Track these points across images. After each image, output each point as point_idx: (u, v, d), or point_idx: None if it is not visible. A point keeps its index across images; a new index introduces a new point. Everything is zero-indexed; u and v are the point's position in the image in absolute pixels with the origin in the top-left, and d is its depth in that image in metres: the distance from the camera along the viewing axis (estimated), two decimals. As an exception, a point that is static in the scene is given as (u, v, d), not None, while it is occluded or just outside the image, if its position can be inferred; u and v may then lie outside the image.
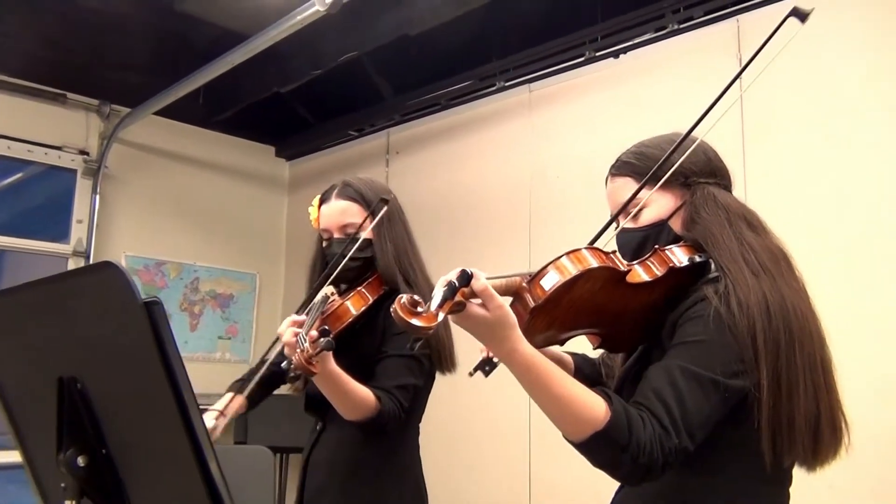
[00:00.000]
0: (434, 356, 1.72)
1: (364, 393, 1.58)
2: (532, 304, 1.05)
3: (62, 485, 1.03)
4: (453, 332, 1.79)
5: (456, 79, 4.10)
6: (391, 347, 1.69)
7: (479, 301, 1.00)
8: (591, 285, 1.09)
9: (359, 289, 1.73)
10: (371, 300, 1.72)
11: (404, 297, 0.95)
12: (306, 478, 1.75)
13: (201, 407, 1.63)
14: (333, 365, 1.52)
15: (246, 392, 1.80)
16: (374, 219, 1.73)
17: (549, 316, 1.08)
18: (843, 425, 1.14)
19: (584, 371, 1.45)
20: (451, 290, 0.96)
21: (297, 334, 1.50)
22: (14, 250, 4.30)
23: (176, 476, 0.96)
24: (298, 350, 1.45)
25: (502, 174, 3.95)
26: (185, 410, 0.88)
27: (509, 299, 1.07)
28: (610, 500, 1.30)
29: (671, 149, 1.22)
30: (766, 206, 1.36)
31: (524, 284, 1.07)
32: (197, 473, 0.90)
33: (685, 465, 1.03)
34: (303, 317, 1.59)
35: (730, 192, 1.30)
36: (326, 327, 1.52)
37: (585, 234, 3.82)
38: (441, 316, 0.95)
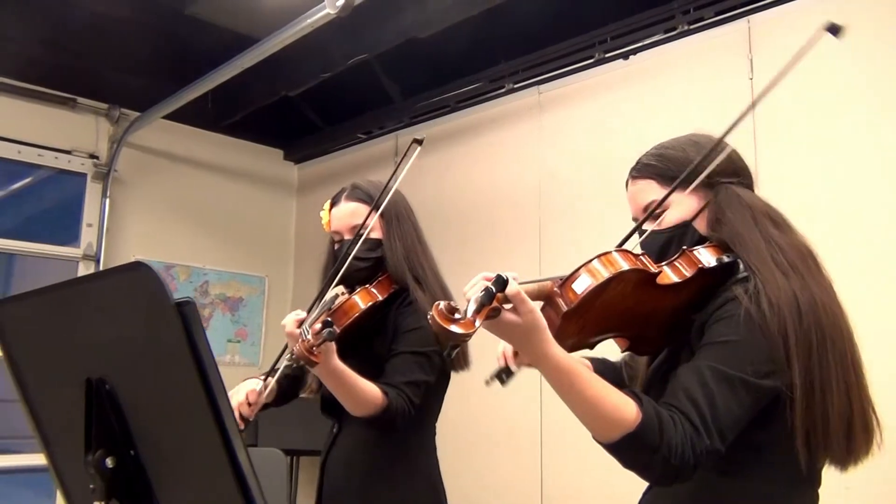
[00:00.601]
0: (442, 342, 1.71)
1: (370, 388, 1.58)
2: (564, 308, 1.05)
3: (90, 486, 1.03)
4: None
5: (465, 81, 4.10)
6: (402, 345, 1.70)
7: (510, 306, 1.00)
8: (622, 288, 1.09)
9: (367, 286, 1.73)
10: (380, 298, 1.72)
11: (441, 304, 0.94)
12: (324, 479, 1.75)
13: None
14: (336, 360, 1.53)
15: (276, 376, 1.79)
16: (406, 159, 1.69)
17: (580, 319, 1.08)
18: (875, 423, 1.13)
19: (606, 376, 1.45)
20: (489, 295, 0.95)
21: (299, 324, 1.51)
22: (24, 254, 4.31)
23: (206, 477, 0.95)
24: (300, 340, 1.46)
25: (511, 176, 3.95)
26: (217, 411, 0.88)
27: (540, 303, 1.06)
28: (623, 501, 1.30)
29: (702, 155, 1.21)
30: (778, 205, 1.35)
31: (556, 289, 1.07)
32: (229, 475, 0.90)
33: (717, 466, 1.03)
34: (305, 314, 1.59)
35: (752, 190, 1.30)
36: (330, 320, 1.53)
37: (596, 237, 3.85)
38: (478, 323, 0.94)
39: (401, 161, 1.70)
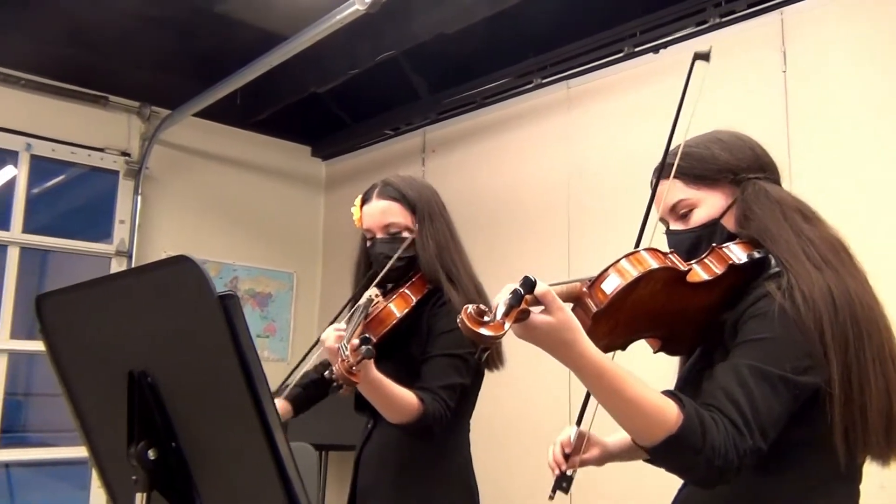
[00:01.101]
0: (473, 345, 1.71)
1: (407, 397, 1.58)
2: (594, 308, 1.04)
3: (133, 478, 1.04)
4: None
5: (493, 76, 4.09)
6: (436, 347, 1.69)
7: (540, 308, 0.99)
8: (652, 287, 1.08)
9: (402, 290, 1.72)
10: (414, 301, 1.72)
11: (471, 308, 0.94)
12: (358, 474, 1.76)
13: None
14: (374, 372, 1.52)
15: (284, 395, 1.82)
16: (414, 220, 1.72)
17: (611, 320, 1.07)
18: None
19: None
20: (517, 297, 0.95)
21: (339, 339, 1.50)
22: (59, 251, 4.38)
23: (247, 469, 0.96)
24: (340, 360, 1.45)
25: (540, 172, 3.93)
26: (259, 404, 0.89)
27: (569, 305, 1.06)
28: (654, 500, 1.29)
29: (728, 153, 1.20)
30: (812, 201, 1.33)
31: (585, 290, 1.06)
32: (270, 468, 0.90)
33: (756, 464, 1.01)
34: (345, 326, 1.59)
35: (779, 185, 1.28)
36: (367, 335, 1.52)
37: (625, 233, 3.80)
38: (507, 325, 0.94)
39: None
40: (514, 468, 3.77)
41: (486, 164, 4.23)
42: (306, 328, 5.17)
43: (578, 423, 1.29)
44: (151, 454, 1.03)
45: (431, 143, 4.57)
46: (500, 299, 0.98)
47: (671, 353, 1.28)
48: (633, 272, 1.06)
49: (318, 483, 3.05)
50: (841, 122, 2.82)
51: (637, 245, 1.14)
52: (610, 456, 1.35)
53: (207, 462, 1.03)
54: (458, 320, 0.94)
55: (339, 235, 5.16)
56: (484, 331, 0.93)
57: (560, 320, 0.98)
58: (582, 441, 1.31)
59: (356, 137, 5.06)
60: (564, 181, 3.79)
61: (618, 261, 1.09)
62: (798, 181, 2.82)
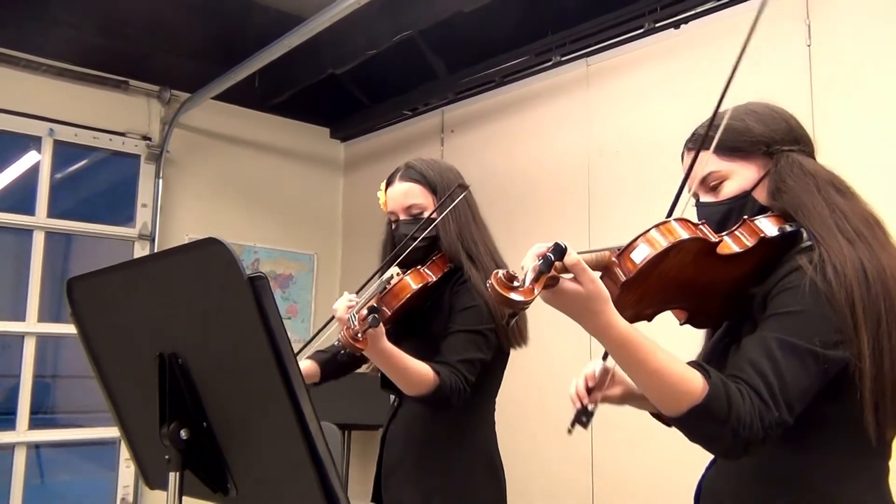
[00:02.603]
0: (500, 331, 1.72)
1: (422, 369, 1.60)
2: (623, 278, 1.03)
3: (166, 457, 1.06)
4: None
5: (511, 55, 4.06)
6: (456, 323, 1.71)
7: (570, 276, 0.98)
8: (681, 257, 1.07)
9: (419, 268, 1.74)
10: (432, 278, 1.73)
11: (500, 273, 0.94)
12: (384, 452, 1.78)
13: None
14: (385, 342, 1.54)
15: (318, 359, 1.84)
16: (445, 204, 1.75)
17: (639, 290, 1.06)
18: None
19: None
20: (548, 263, 0.94)
21: (349, 309, 1.53)
22: (83, 235, 4.43)
23: (278, 449, 0.98)
24: (346, 327, 1.49)
25: (560, 151, 3.91)
26: (289, 384, 0.90)
27: (598, 273, 1.05)
28: (676, 478, 1.29)
29: (763, 125, 1.19)
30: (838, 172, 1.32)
31: (613, 259, 1.05)
32: (300, 444, 0.92)
33: (785, 440, 1.01)
34: (356, 296, 1.61)
35: (813, 158, 1.27)
36: (376, 304, 1.54)
37: (646, 211, 3.80)
38: (537, 291, 0.94)
39: (444, 202, 1.79)
40: (537, 448, 3.79)
41: (506, 144, 4.21)
42: (328, 309, 5.16)
43: (605, 357, 1.28)
44: (184, 434, 1.05)
45: (450, 123, 4.56)
46: (528, 264, 0.97)
47: (698, 325, 1.28)
48: (663, 242, 1.05)
49: (341, 462, 3.09)
50: (866, 97, 2.78)
51: (669, 216, 1.13)
52: (632, 397, 1.33)
53: (238, 442, 1.05)
54: (487, 284, 0.95)
55: (358, 216, 5.18)
56: (514, 295, 0.93)
57: (589, 290, 0.98)
58: (606, 376, 1.30)
59: (375, 118, 5.05)
60: (584, 160, 3.77)
61: (648, 230, 1.07)
62: (822, 157, 2.80)
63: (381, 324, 1.51)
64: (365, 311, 1.50)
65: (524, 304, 0.93)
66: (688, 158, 1.30)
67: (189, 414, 1.05)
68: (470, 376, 1.65)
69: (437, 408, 1.64)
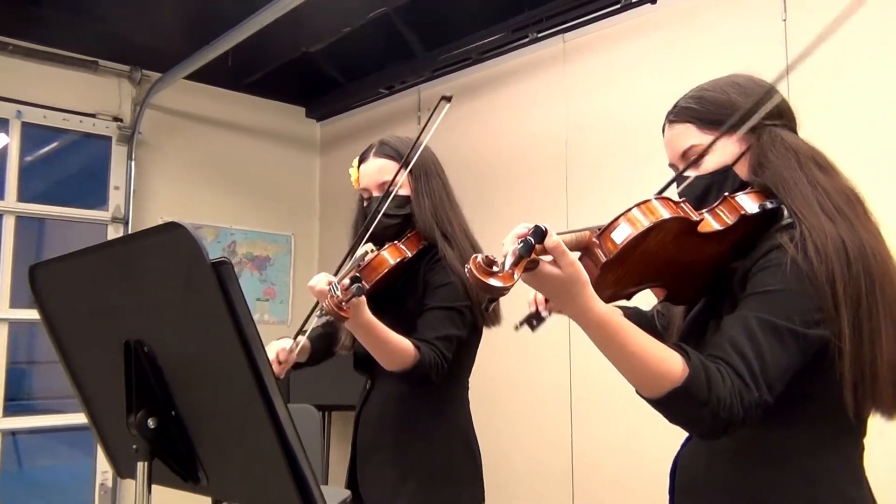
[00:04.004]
0: (475, 308, 1.71)
1: (403, 343, 1.59)
2: (603, 258, 1.02)
3: (133, 447, 1.04)
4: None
5: (487, 32, 4.02)
6: (432, 300, 1.70)
7: (549, 258, 0.97)
8: (662, 237, 1.06)
9: (395, 243, 1.73)
10: (409, 254, 1.72)
11: (479, 257, 0.92)
12: (358, 433, 1.77)
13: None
14: (368, 314, 1.53)
15: (307, 333, 1.82)
16: (435, 116, 1.69)
17: (619, 270, 1.05)
18: None
19: (640, 326, 1.42)
20: (528, 247, 0.92)
21: (329, 283, 1.51)
22: (54, 219, 4.35)
23: (248, 437, 0.96)
24: (329, 297, 1.47)
25: (537, 128, 3.89)
26: (256, 369, 0.88)
27: (577, 254, 1.04)
28: (655, 455, 1.29)
29: (747, 98, 1.17)
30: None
31: (594, 239, 1.04)
32: (270, 431, 0.90)
33: (764, 417, 1.00)
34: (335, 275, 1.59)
35: (796, 133, 1.25)
36: (358, 276, 1.53)
37: (624, 188, 3.78)
38: (517, 275, 0.92)
39: (429, 118, 1.68)
40: (516, 427, 3.80)
41: (483, 122, 4.18)
42: (306, 290, 5.15)
43: None
44: (151, 423, 1.03)
45: (427, 102, 4.52)
46: (508, 247, 0.95)
47: (677, 302, 1.27)
48: (645, 222, 1.04)
49: (321, 443, 3.08)
50: (842, 71, 2.78)
51: (659, 194, 1.11)
52: None
53: (208, 429, 1.03)
54: (465, 269, 0.93)
55: (336, 197, 5.14)
56: (493, 281, 0.91)
57: (568, 274, 0.97)
58: None
59: (350, 97, 4.99)
60: (562, 137, 3.75)
61: (629, 210, 1.06)
62: (799, 131, 2.80)
63: (364, 294, 1.50)
64: (347, 281, 1.48)
65: (503, 291, 0.91)
66: (669, 131, 1.28)
67: (157, 402, 1.03)
68: (448, 353, 1.65)
69: (416, 384, 1.63)
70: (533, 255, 0.93)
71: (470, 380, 1.83)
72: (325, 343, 1.94)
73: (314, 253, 5.28)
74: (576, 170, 3.69)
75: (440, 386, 1.66)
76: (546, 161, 3.82)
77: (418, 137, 1.72)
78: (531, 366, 3.71)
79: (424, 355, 1.60)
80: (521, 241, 0.93)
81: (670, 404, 0.98)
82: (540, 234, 0.93)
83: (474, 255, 0.92)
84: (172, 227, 0.86)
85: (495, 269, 0.91)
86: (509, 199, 3.98)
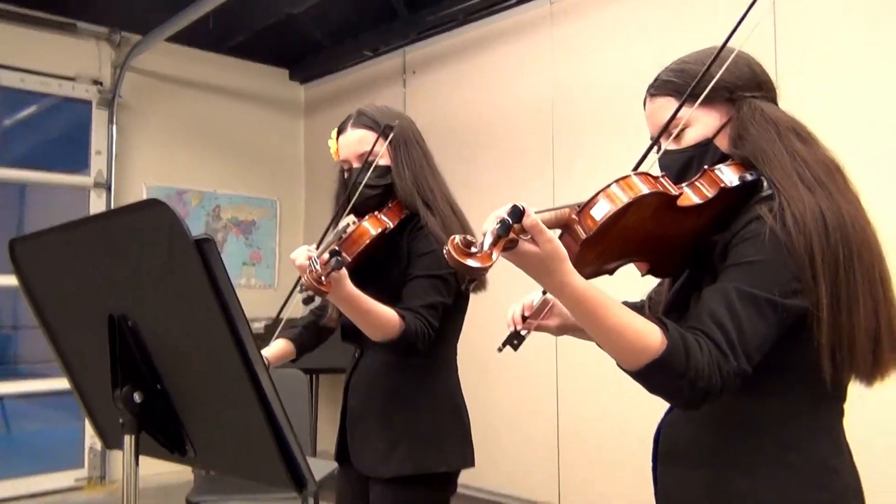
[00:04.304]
0: (460, 275, 1.72)
1: (388, 313, 1.59)
2: (583, 235, 1.02)
3: (120, 421, 1.04)
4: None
5: (473, -8, 3.97)
6: (417, 269, 1.70)
7: (528, 236, 0.97)
8: (642, 212, 1.06)
9: (375, 214, 1.73)
10: (390, 224, 1.71)
11: (457, 238, 0.92)
12: (347, 402, 1.78)
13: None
14: (349, 287, 1.53)
15: (290, 336, 1.85)
16: (384, 143, 1.73)
17: (599, 246, 1.05)
18: None
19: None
20: (505, 227, 0.92)
21: (309, 258, 1.51)
22: (35, 184, 4.31)
23: (234, 411, 0.96)
24: (308, 271, 1.47)
25: (524, 91, 3.86)
26: (241, 345, 0.88)
27: (558, 231, 1.04)
28: (640, 423, 1.31)
29: (709, 62, 1.16)
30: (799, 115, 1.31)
31: (574, 216, 1.04)
32: (255, 404, 0.90)
33: (742, 387, 1.02)
34: (315, 247, 1.59)
35: (776, 104, 1.25)
36: (338, 248, 1.52)
37: (610, 152, 3.76)
38: (496, 255, 0.92)
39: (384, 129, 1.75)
40: (503, 401, 3.85)
41: (469, 85, 4.15)
42: (292, 255, 5.17)
43: (544, 292, 1.30)
44: (137, 397, 1.03)
45: (412, 64, 4.47)
46: (487, 227, 0.96)
47: (659, 275, 1.28)
48: (624, 198, 1.03)
49: (309, 406, 3.11)
50: (829, 43, 2.78)
51: (636, 168, 1.11)
52: (569, 328, 1.35)
53: (194, 403, 1.03)
54: (444, 251, 0.93)
55: (321, 161, 5.10)
56: (471, 262, 0.91)
57: (546, 251, 0.97)
58: (545, 307, 1.32)
59: (335, 60, 4.93)
60: (548, 100, 3.73)
61: (608, 186, 1.06)
62: (785, 103, 2.79)
63: (344, 268, 1.50)
64: (326, 255, 1.48)
65: (482, 271, 0.91)
66: (650, 104, 1.28)
67: (142, 377, 1.03)
68: (434, 321, 1.65)
69: (403, 353, 1.64)
70: (511, 235, 0.93)
71: (460, 353, 1.84)
72: (312, 332, 1.95)
73: (300, 217, 5.27)
74: (563, 134, 3.68)
75: (428, 353, 1.67)
76: (532, 124, 3.81)
77: (374, 145, 1.74)
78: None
79: (410, 325, 1.60)
80: (499, 221, 0.93)
81: (649, 376, 0.99)
82: (517, 213, 0.93)
83: (452, 237, 0.92)
84: (153, 205, 0.86)
85: (473, 249, 0.91)
86: (494, 162, 3.97)
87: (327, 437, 4.37)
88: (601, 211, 1.02)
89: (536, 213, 0.98)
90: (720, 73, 1.17)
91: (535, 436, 3.80)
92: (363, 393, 1.76)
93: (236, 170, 4.93)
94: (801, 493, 1.11)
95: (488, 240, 0.92)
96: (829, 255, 1.05)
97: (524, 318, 1.31)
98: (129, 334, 1.02)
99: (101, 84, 4.39)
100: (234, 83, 4.96)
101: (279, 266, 5.12)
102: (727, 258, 1.10)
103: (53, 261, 1.11)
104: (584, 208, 1.04)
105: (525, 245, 0.96)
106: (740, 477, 1.13)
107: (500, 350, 1.13)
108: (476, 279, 0.94)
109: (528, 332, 1.16)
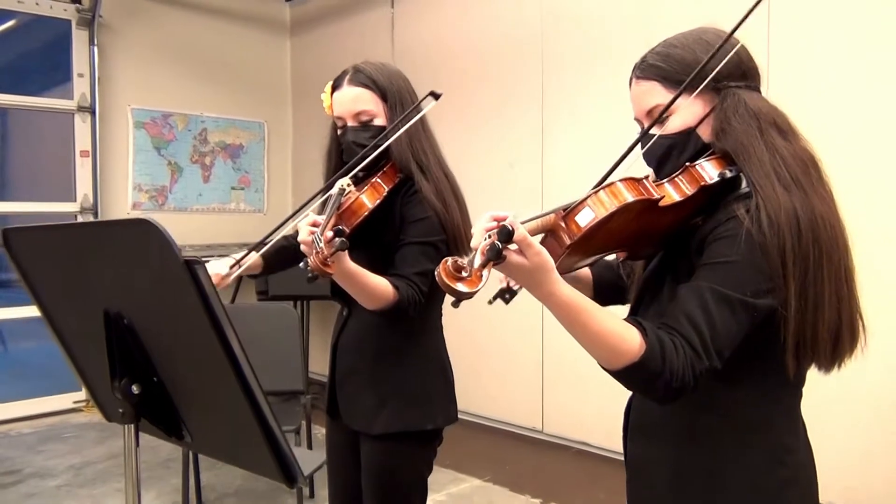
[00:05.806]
0: (451, 242, 1.75)
1: (382, 285, 1.63)
2: (568, 241, 1.06)
3: (120, 410, 1.10)
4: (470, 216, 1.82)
5: (463, -89, 3.83)
6: (409, 235, 1.72)
7: (516, 248, 1.01)
8: (626, 216, 1.10)
9: (373, 181, 1.72)
10: (386, 191, 1.72)
11: (449, 261, 0.95)
12: (336, 362, 1.84)
13: (218, 256, 1.68)
14: (349, 263, 1.56)
15: (261, 251, 1.82)
16: (411, 115, 1.71)
17: (583, 248, 1.10)
18: (861, 329, 1.18)
19: (604, 277, 1.48)
20: (495, 251, 0.96)
21: (313, 233, 1.52)
22: (17, 108, 4.24)
23: (227, 409, 1.02)
24: (315, 252, 1.48)
25: (513, 16, 3.78)
26: (234, 359, 0.92)
27: (541, 236, 1.08)
28: (617, 404, 1.38)
29: (707, 58, 1.17)
30: (789, 100, 1.32)
31: (559, 222, 1.07)
32: (248, 411, 0.96)
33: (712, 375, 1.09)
34: (319, 217, 1.60)
35: (759, 92, 1.26)
36: (341, 227, 1.54)
37: (600, 80, 3.70)
38: (486, 276, 0.96)
39: (412, 108, 1.72)
40: (490, 326, 3.94)
41: (458, 6, 4.05)
42: (280, 178, 5.15)
43: None
44: (135, 389, 1.08)
45: (399, -16, 4.35)
46: (477, 239, 1.00)
47: (637, 259, 1.33)
48: (609, 206, 1.07)
49: (300, 337, 3.20)
50: (821, 29, 2.75)
51: (620, 161, 1.13)
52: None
53: (188, 395, 1.09)
54: (435, 274, 0.96)
55: (308, 81, 5.02)
56: (460, 286, 0.95)
57: (534, 263, 1.01)
58: None
59: (321, -24, 4.78)
60: (537, 25, 3.66)
61: (594, 192, 1.09)
62: (776, 89, 2.75)
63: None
64: (330, 234, 1.49)
65: (471, 295, 0.96)
66: (636, 87, 1.29)
67: (139, 369, 1.08)
68: (424, 288, 1.69)
69: (393, 319, 1.68)
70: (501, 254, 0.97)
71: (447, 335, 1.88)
72: (280, 256, 1.93)
73: (288, 140, 5.22)
74: (552, 62, 3.63)
75: (417, 315, 1.71)
76: (521, 52, 3.75)
77: (393, 126, 1.71)
78: (505, 325, 3.83)
79: (403, 293, 1.64)
80: (490, 245, 0.96)
81: (628, 376, 1.05)
82: (507, 233, 0.97)
83: (444, 259, 0.95)
84: (143, 224, 0.88)
85: (464, 273, 0.95)
86: (484, 89, 3.93)
87: (317, 362, 4.50)
88: (586, 218, 1.06)
89: (522, 223, 1.01)
90: (717, 67, 1.18)
91: (521, 366, 3.93)
92: (351, 352, 1.81)
93: (223, 92, 4.85)
94: (761, 470, 1.19)
95: (478, 260, 0.96)
96: (800, 256, 1.09)
97: None
98: (125, 330, 1.06)
99: (79, 3, 4.26)
100: (219, 1, 4.82)
101: (268, 190, 5.12)
102: (703, 255, 1.14)
103: (47, 255, 1.14)
104: (569, 213, 1.07)
105: (514, 258, 1.00)
106: (706, 455, 1.21)
107: (490, 303, 1.18)
108: (465, 300, 0.98)
109: (520, 289, 1.21)
